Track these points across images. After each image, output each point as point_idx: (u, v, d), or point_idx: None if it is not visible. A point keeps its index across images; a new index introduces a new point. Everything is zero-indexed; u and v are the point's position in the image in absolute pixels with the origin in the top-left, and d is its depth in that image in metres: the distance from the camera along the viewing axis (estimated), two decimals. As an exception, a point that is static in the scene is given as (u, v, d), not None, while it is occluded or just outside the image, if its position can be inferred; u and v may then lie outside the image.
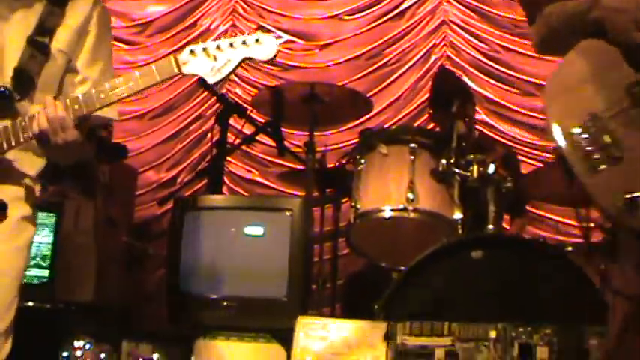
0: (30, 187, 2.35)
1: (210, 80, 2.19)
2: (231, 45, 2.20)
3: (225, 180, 6.43)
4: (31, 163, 2.35)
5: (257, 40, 2.20)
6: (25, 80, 2.28)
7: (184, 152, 6.62)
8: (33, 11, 2.38)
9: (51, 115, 2.17)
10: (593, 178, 1.86)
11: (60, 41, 2.38)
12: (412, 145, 3.53)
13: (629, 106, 1.90)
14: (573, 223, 5.68)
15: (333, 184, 4.47)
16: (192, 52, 2.21)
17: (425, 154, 3.54)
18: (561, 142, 1.93)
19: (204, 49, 2.20)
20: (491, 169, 3.32)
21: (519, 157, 5.14)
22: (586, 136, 1.90)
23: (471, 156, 3.37)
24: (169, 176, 6.58)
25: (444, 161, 3.43)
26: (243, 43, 2.19)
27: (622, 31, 1.94)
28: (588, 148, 1.89)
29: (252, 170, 6.39)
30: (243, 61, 2.20)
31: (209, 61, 2.20)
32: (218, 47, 2.20)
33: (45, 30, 2.36)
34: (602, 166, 1.86)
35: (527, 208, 4.96)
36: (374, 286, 3.52)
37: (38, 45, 2.33)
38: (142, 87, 2.21)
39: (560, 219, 5.72)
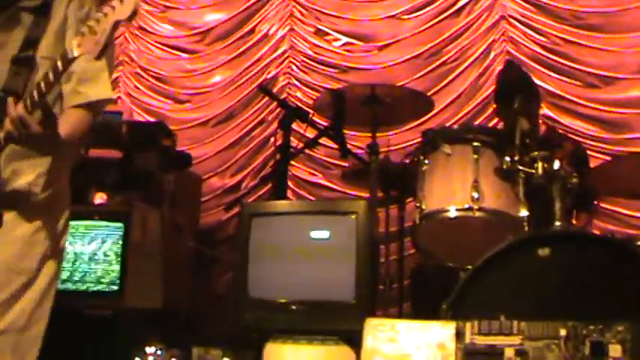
0: (27, 191, 2.46)
1: (95, 54, 2.17)
2: (105, 14, 2.16)
3: (289, 183, 6.49)
4: (29, 170, 2.47)
5: (120, 1, 2.15)
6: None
7: (248, 158, 6.69)
8: (21, 27, 2.46)
9: (12, 114, 2.24)
10: None
11: (42, 49, 2.46)
12: (475, 143, 3.52)
13: None
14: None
15: (397, 184, 4.47)
16: (82, 33, 2.19)
17: (488, 152, 3.53)
18: None
19: (89, 27, 2.17)
20: (557, 165, 3.28)
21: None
22: None
23: (535, 153, 3.33)
24: (233, 182, 6.66)
25: (507, 159, 3.40)
26: (112, 8, 2.15)
27: None
28: None
29: (316, 173, 6.42)
30: (115, 26, 2.14)
31: (92, 37, 2.17)
32: (97, 20, 2.16)
33: (30, 43, 2.46)
34: None
35: (596, 202, 4.89)
36: (442, 286, 3.52)
37: (22, 60, 2.43)
38: (61, 70, 2.24)
39: (631, 212, 5.63)
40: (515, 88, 4.07)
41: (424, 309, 4.30)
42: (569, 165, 4.13)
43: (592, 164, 4.77)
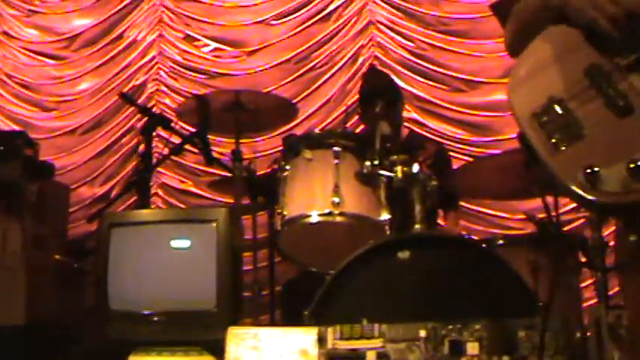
0: None
1: None
2: None
3: (159, 192, 6.39)
4: None
5: None
6: None
7: (117, 166, 6.55)
8: None
9: None
10: (555, 158, 1.88)
11: None
12: (336, 148, 3.50)
13: (588, 87, 1.92)
14: (509, 216, 5.78)
15: (264, 191, 4.44)
16: None
17: (349, 156, 3.53)
18: (523, 127, 1.96)
19: None
20: (416, 168, 3.31)
21: (450, 154, 5.17)
22: (546, 118, 1.93)
23: (395, 156, 3.36)
24: (103, 191, 6.50)
25: (368, 163, 3.41)
26: None
27: (579, 11, 1.96)
28: (549, 130, 1.92)
29: (186, 181, 6.34)
30: None
31: None
32: None
33: None
34: (564, 146, 1.89)
35: (461, 203, 4.99)
36: (312, 292, 3.51)
37: None
38: None
39: (495, 212, 5.78)
40: (377, 93, 4.12)
41: (295, 315, 4.29)
42: (431, 167, 4.23)
43: (457, 166, 4.87)
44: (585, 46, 1.98)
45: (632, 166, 1.75)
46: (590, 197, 1.80)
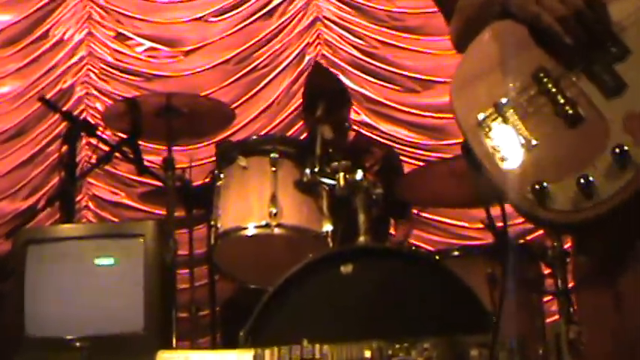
0: None
1: None
2: None
3: (90, 205, 6.32)
4: None
5: None
6: None
7: (42, 178, 6.46)
8: None
9: None
10: (501, 172, 1.82)
11: None
12: (273, 155, 3.50)
13: (536, 94, 1.87)
14: (468, 225, 5.81)
15: (201, 202, 4.41)
16: None
17: (287, 163, 3.52)
18: (466, 136, 1.90)
19: None
20: (359, 175, 3.30)
21: (402, 158, 5.19)
22: (491, 127, 1.87)
23: (336, 162, 3.35)
24: (26, 205, 6.40)
25: (308, 170, 3.41)
26: None
27: (520, 7, 1.92)
28: (494, 140, 1.86)
29: (118, 192, 6.28)
30: None
31: None
32: None
33: None
34: (510, 158, 1.83)
35: (415, 211, 5.00)
36: (251, 311, 3.49)
37: None
38: None
39: (453, 221, 5.81)
40: (318, 94, 4.11)
41: (235, 337, 4.27)
42: (378, 173, 4.25)
43: (408, 171, 4.89)
44: (533, 45, 1.94)
45: (582, 181, 1.71)
46: (538, 216, 1.78)
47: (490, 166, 1.84)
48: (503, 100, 1.89)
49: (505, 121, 1.86)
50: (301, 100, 4.77)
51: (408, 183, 4.39)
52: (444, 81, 6.12)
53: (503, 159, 1.83)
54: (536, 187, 1.73)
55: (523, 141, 1.83)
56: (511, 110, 1.87)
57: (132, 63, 6.56)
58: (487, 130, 1.87)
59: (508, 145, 1.84)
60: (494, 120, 1.88)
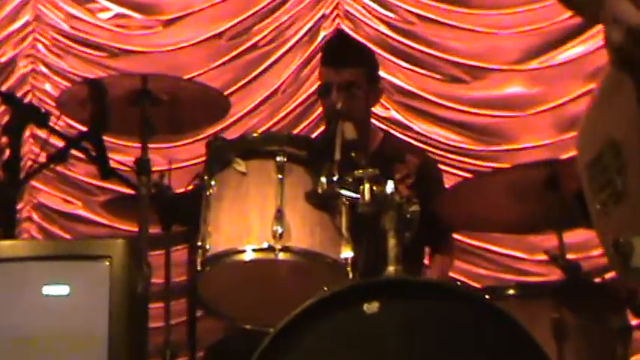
0: None
1: None
2: None
3: (34, 216, 6.35)
4: None
5: None
6: None
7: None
8: None
9: None
10: (600, 218, 2.05)
11: None
12: (280, 158, 3.51)
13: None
14: (525, 256, 5.83)
15: (182, 216, 4.44)
16: None
17: (298, 170, 3.54)
18: (581, 175, 2.13)
19: None
20: (390, 187, 3.33)
21: (443, 167, 5.21)
22: (599, 168, 2.06)
23: (360, 171, 3.37)
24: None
25: (324, 179, 3.43)
26: None
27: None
28: (599, 182, 2.06)
29: (74, 201, 6.31)
30: None
31: None
32: None
33: None
34: (609, 204, 2.03)
35: (457, 237, 5.03)
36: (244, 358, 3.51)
37: None
38: None
39: (503, 250, 5.82)
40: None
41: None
42: (413, 186, 4.28)
43: (451, 185, 4.91)
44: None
45: None
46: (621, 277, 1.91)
47: (592, 210, 2.08)
48: (613, 138, 2.07)
49: (609, 163, 2.05)
50: (316, 87, 4.80)
51: (450, 200, 4.41)
52: (499, 68, 6.15)
53: (604, 204, 2.05)
54: (621, 240, 1.89)
55: (620, 186, 2.01)
56: (616, 151, 2.05)
57: (95, 33, 6.61)
58: (594, 172, 2.09)
59: (609, 189, 2.03)
60: (600, 161, 2.09)
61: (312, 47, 6.29)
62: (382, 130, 4.93)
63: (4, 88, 6.02)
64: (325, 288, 3.18)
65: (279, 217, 3.44)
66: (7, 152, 3.97)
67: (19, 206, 6.12)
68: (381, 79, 4.84)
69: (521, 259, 5.87)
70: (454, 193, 4.54)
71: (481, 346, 3.03)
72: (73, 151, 4.16)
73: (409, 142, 5.58)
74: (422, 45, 6.22)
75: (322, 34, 6.30)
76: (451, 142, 6.06)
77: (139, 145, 4.31)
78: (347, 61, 4.42)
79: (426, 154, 5.11)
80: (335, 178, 3.43)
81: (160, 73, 4.89)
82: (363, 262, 3.53)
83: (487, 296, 3.66)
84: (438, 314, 3.09)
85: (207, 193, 3.65)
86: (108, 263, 3.40)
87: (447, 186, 4.81)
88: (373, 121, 4.76)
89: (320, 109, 5.51)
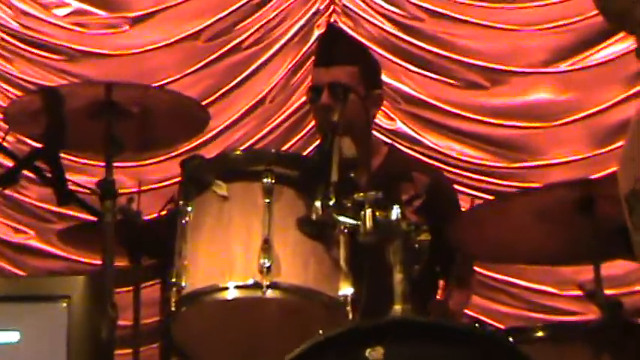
0: None
1: None
2: None
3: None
4: None
5: None
6: None
7: None
8: None
9: None
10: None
11: None
12: (266, 179, 3.53)
13: None
14: (556, 291, 5.84)
15: (153, 247, 4.45)
16: None
17: (288, 193, 3.56)
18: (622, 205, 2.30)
19: None
20: (395, 212, 3.34)
21: (458, 187, 5.23)
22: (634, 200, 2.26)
23: (361, 194, 3.39)
24: None
25: (318, 204, 3.44)
26: None
27: None
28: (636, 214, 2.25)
29: (25, 229, 6.33)
30: None
31: None
32: None
33: None
34: None
35: (476, 269, 5.04)
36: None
37: None
38: None
39: (527, 283, 5.84)
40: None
41: None
42: (422, 211, 4.28)
43: (467, 209, 4.92)
44: None
45: None
46: None
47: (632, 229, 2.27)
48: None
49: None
50: (306, 95, 4.82)
51: (467, 225, 4.42)
52: (523, 72, 6.17)
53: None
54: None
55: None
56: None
57: (50, 33, 6.63)
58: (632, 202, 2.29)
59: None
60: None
61: (304, 49, 6.32)
62: (386, 144, 4.92)
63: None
64: (321, 331, 3.20)
65: (267, 248, 3.45)
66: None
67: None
68: (382, 82, 4.85)
69: (551, 295, 5.88)
70: (471, 218, 4.55)
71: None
72: (25, 172, 4.19)
73: (418, 159, 5.61)
74: (433, 45, 6.25)
75: (316, 33, 6.31)
76: (467, 158, 6.07)
77: (103, 164, 4.33)
78: (337, 57, 4.44)
79: (438, 172, 5.13)
80: (331, 203, 3.43)
81: (126, 80, 4.91)
82: (365, 300, 3.53)
83: (511, 339, 3.69)
84: (452, 358, 3.11)
85: (183, 221, 3.66)
86: (65, 304, 3.42)
87: (463, 209, 4.83)
88: (375, 133, 4.79)
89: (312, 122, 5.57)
